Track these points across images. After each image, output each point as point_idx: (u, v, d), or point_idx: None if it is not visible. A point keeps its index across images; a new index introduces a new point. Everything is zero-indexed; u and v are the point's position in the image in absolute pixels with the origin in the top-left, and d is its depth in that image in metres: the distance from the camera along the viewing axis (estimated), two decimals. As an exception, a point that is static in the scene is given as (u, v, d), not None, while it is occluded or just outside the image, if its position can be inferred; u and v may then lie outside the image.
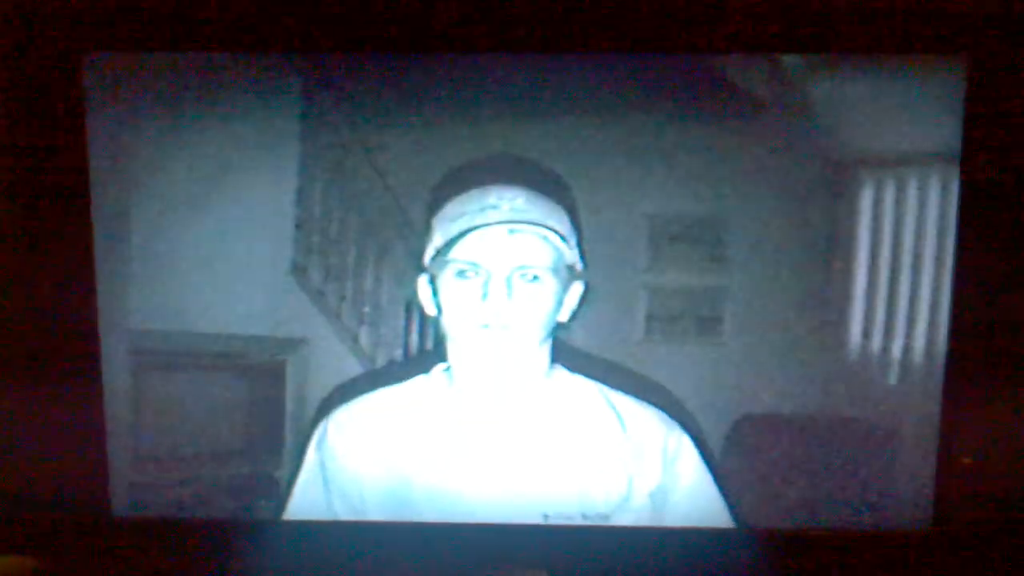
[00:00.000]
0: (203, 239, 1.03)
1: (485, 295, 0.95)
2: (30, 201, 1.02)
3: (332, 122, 1.02)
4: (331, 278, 1.06)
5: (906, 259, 1.00)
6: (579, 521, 1.01)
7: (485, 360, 0.99)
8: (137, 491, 1.07)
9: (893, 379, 1.02)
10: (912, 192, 0.98)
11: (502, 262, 0.94)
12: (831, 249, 1.01)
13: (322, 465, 1.03)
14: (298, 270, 1.05)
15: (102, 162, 0.99)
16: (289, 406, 1.07)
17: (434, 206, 0.99)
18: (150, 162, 1.01)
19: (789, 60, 0.99)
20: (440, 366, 1.03)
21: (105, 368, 1.03)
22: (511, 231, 0.94)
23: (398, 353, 1.06)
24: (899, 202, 0.99)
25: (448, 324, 1.00)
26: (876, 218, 1.00)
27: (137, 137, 1.00)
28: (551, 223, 0.95)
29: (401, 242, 1.05)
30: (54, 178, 1.01)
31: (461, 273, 0.96)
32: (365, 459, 1.02)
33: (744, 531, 1.03)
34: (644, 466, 1.00)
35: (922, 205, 0.99)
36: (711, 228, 1.02)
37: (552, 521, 1.02)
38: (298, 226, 1.05)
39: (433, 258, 0.98)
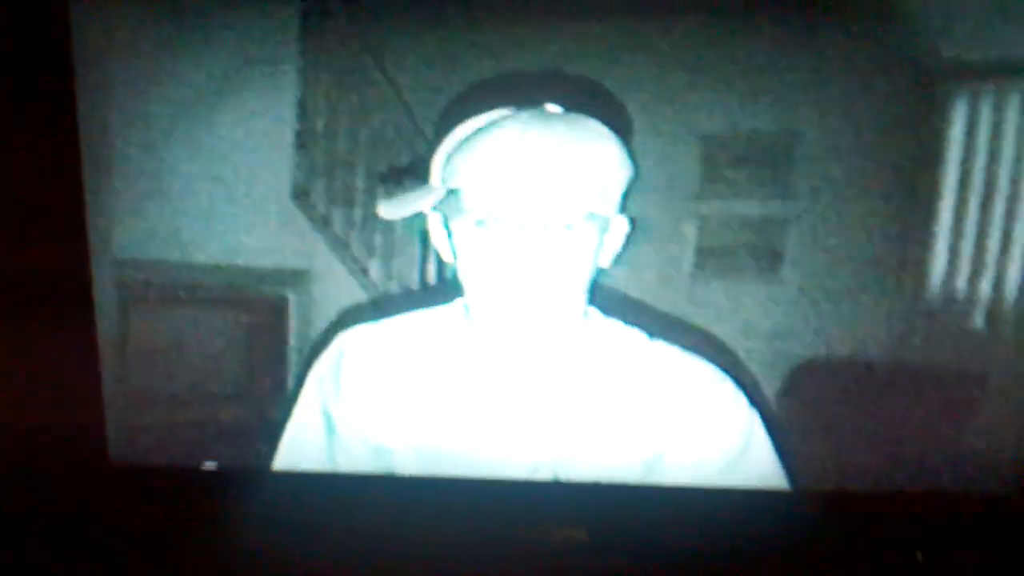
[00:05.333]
0: (195, 159, 0.95)
1: (509, 249, 0.82)
2: (12, 118, 0.94)
3: (337, 24, 0.92)
4: (337, 203, 0.98)
5: (1002, 185, 0.88)
6: (611, 479, 0.91)
7: (509, 313, 0.86)
8: (134, 436, 1.00)
9: (980, 323, 0.91)
10: (1013, 108, 0.87)
11: (529, 211, 0.81)
12: (914, 173, 0.91)
13: (323, 403, 0.93)
14: (300, 194, 0.96)
15: (88, 81, 0.92)
16: (292, 345, 0.99)
17: (444, 130, 0.86)
18: (138, 75, 0.93)
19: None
20: (462, 300, 0.92)
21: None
22: (540, 174, 0.80)
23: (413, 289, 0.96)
24: (997, 120, 0.87)
25: (466, 275, 0.87)
26: (969, 138, 0.89)
27: (124, 49, 0.92)
28: (589, 166, 0.81)
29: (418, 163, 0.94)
30: (38, 93, 0.93)
31: (480, 223, 0.82)
32: (372, 396, 0.91)
33: (801, 493, 0.93)
34: (690, 424, 0.90)
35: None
36: (774, 150, 0.92)
37: (579, 479, 0.92)
38: (300, 144, 0.95)
39: (446, 198, 0.85)
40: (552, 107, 0.84)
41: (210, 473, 1.00)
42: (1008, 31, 0.87)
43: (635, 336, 0.91)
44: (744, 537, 0.94)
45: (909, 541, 0.96)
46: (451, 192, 0.83)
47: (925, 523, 0.96)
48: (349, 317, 0.96)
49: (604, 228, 0.85)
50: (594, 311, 0.91)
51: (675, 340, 0.91)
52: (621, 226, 0.87)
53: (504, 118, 0.82)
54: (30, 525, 1.02)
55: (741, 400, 0.90)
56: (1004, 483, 0.95)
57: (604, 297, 0.91)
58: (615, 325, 0.91)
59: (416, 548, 0.96)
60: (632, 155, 0.85)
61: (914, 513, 0.96)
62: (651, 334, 0.91)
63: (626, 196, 0.87)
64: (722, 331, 0.93)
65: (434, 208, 0.86)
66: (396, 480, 0.93)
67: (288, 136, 0.94)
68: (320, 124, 0.95)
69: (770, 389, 0.93)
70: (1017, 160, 0.89)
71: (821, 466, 0.95)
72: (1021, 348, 0.93)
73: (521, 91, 0.88)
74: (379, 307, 0.96)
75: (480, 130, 0.82)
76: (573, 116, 0.83)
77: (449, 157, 0.84)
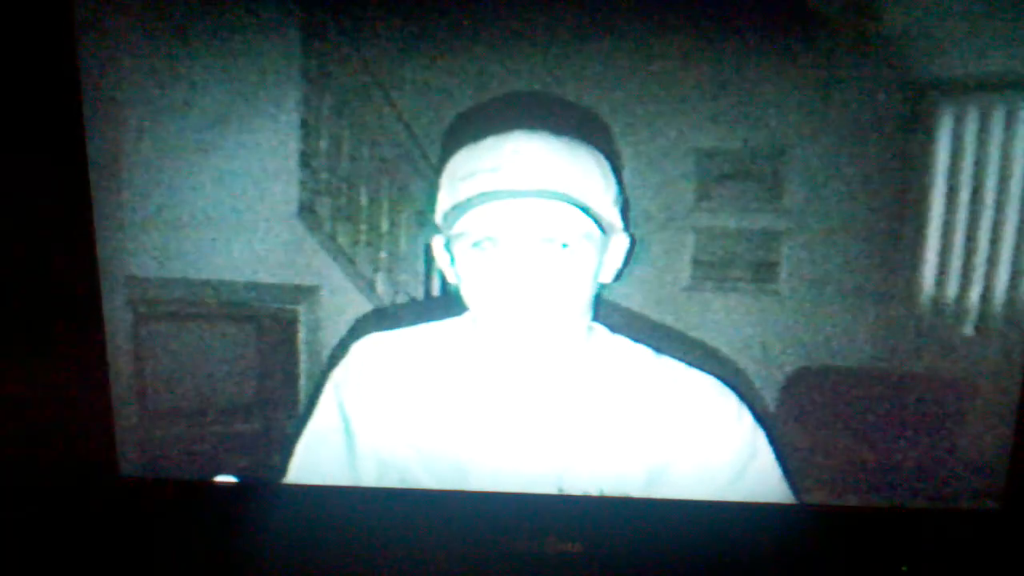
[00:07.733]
0: (203, 179, 0.96)
1: (507, 270, 0.83)
2: (21, 139, 0.95)
3: (339, 48, 0.93)
4: (342, 220, 0.98)
5: (989, 197, 0.90)
6: (615, 491, 0.94)
7: (512, 331, 0.88)
8: (146, 450, 1.02)
9: (969, 332, 0.93)
10: (998, 122, 0.88)
11: (524, 233, 0.82)
12: (903, 186, 0.91)
13: (342, 408, 0.96)
14: (306, 211, 0.96)
15: (96, 102, 0.93)
16: (303, 358, 1.00)
17: (444, 154, 0.89)
18: (146, 99, 0.94)
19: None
20: (470, 313, 0.94)
21: (106, 320, 0.99)
22: (532, 197, 0.82)
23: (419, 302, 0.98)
24: (983, 133, 0.88)
25: (469, 294, 0.89)
26: (956, 151, 0.90)
27: (132, 73, 0.93)
28: (580, 184, 0.83)
29: (420, 180, 0.95)
30: (46, 119, 0.94)
31: (477, 244, 0.84)
32: (386, 404, 0.94)
33: (794, 506, 0.95)
34: (694, 438, 0.92)
35: (1010, 136, 0.88)
36: (767, 163, 0.92)
37: (584, 491, 0.94)
38: (304, 163, 0.96)
39: (444, 220, 0.87)
40: (539, 131, 0.85)
41: (221, 487, 1.02)
42: (992, 48, 0.87)
43: (642, 352, 0.93)
44: (734, 550, 0.96)
45: (898, 554, 0.98)
46: (448, 216, 0.85)
47: (913, 537, 0.97)
48: (360, 329, 0.98)
49: (603, 247, 0.87)
50: (601, 328, 0.93)
51: (680, 355, 0.93)
52: (620, 243, 0.89)
53: (493, 142, 0.84)
54: (41, 541, 1.04)
55: (746, 415, 0.92)
56: (986, 498, 0.96)
57: (610, 314, 0.93)
58: (622, 341, 0.93)
59: (419, 560, 0.98)
60: (617, 174, 0.88)
61: (903, 527, 0.97)
62: (658, 350, 0.93)
63: (624, 214, 0.89)
64: (718, 343, 0.94)
65: (437, 230, 0.88)
66: (400, 493, 0.96)
67: (293, 156, 0.95)
68: (324, 144, 0.95)
69: (767, 400, 0.95)
70: (1002, 172, 0.90)
71: (814, 478, 0.97)
72: (1008, 360, 0.94)
73: (518, 113, 0.89)
74: (388, 320, 0.98)
75: (471, 154, 0.85)
76: (559, 137, 0.85)
77: (446, 180, 0.87)
